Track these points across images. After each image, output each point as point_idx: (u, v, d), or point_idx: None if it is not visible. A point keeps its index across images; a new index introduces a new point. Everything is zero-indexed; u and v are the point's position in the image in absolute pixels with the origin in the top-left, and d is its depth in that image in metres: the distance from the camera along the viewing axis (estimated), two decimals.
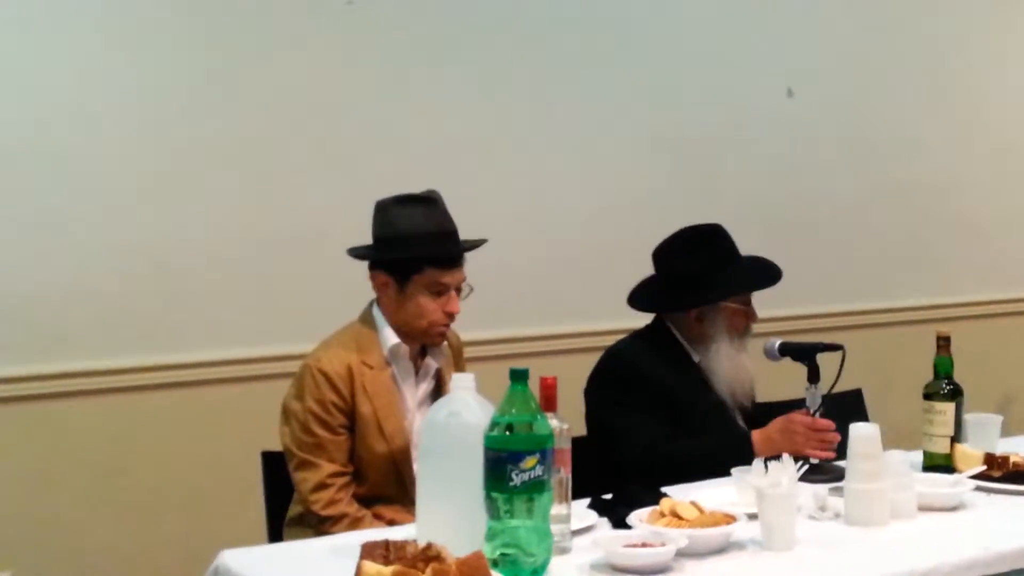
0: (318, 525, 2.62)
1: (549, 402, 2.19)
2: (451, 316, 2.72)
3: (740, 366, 2.97)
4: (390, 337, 2.73)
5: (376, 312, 2.76)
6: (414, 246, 2.69)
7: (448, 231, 2.73)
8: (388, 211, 2.72)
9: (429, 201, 2.75)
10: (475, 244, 2.76)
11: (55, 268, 3.29)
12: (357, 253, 2.78)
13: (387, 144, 3.69)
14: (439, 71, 3.80)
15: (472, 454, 2.07)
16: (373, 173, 3.65)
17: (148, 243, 3.40)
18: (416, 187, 3.64)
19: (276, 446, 2.88)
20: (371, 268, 2.74)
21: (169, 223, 3.42)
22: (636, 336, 3.08)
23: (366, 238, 3.59)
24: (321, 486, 2.64)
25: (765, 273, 3.03)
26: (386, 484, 2.70)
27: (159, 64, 3.40)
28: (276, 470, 2.84)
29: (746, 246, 4.28)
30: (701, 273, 2.96)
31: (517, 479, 2.02)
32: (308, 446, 2.66)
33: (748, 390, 3.01)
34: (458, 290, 2.71)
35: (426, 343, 2.76)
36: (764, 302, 4.27)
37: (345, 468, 2.67)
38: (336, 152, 3.63)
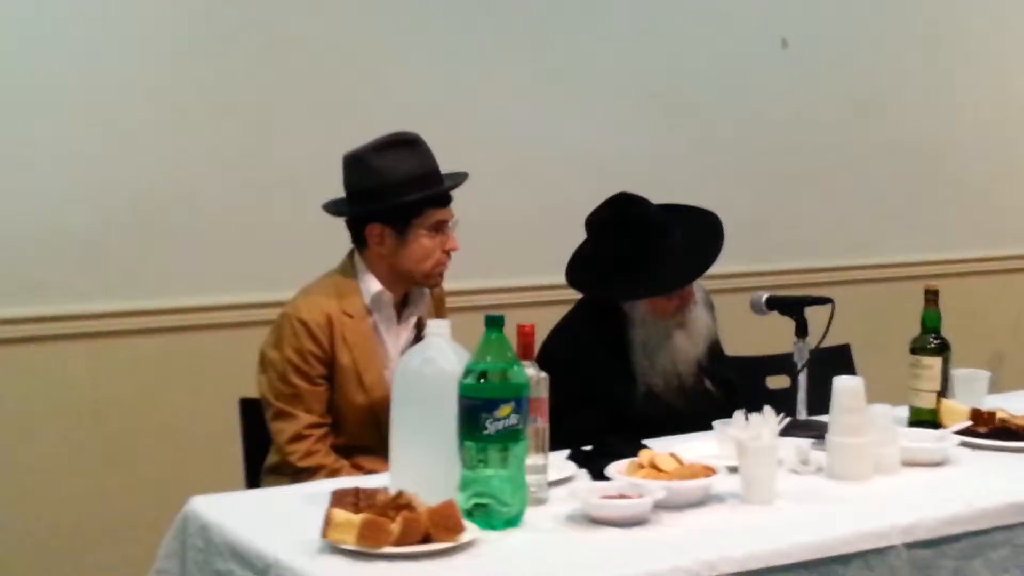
0: (295, 476, 2.59)
1: (526, 350, 2.16)
2: (449, 253, 2.71)
3: (672, 349, 2.85)
4: (372, 284, 2.69)
5: (357, 260, 2.71)
6: (411, 190, 2.64)
7: (435, 169, 2.71)
8: (368, 160, 2.66)
9: (410, 143, 2.71)
10: (462, 178, 2.74)
11: (32, 211, 3.24)
12: (340, 210, 2.72)
13: (374, 90, 3.63)
14: (431, 18, 3.73)
15: (446, 402, 2.04)
16: (358, 120, 3.58)
17: (127, 187, 3.34)
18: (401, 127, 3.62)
19: (254, 393, 2.85)
20: (360, 222, 2.67)
21: (148, 167, 3.36)
22: (575, 315, 2.96)
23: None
24: (298, 437, 2.61)
25: (696, 262, 2.86)
26: (365, 434, 2.66)
27: (140, 5, 3.34)
28: (254, 418, 2.81)
29: (738, 199, 4.28)
30: (629, 259, 2.83)
31: (491, 428, 1.99)
32: (285, 396, 2.62)
33: (688, 368, 2.87)
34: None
35: (427, 285, 2.74)
36: (750, 256, 4.28)
37: (323, 419, 2.64)
38: (321, 98, 3.57)
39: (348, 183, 2.71)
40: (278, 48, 3.52)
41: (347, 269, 2.73)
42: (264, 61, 3.50)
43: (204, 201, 3.44)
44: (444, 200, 2.69)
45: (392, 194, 2.63)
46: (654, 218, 2.88)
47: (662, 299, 2.85)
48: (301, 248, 3.51)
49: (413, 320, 2.76)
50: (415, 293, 2.77)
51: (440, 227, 2.68)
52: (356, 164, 2.68)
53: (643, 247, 2.84)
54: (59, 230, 3.27)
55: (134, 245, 3.37)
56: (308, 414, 2.61)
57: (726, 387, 2.99)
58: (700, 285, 2.96)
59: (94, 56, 3.29)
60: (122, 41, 3.33)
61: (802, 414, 2.71)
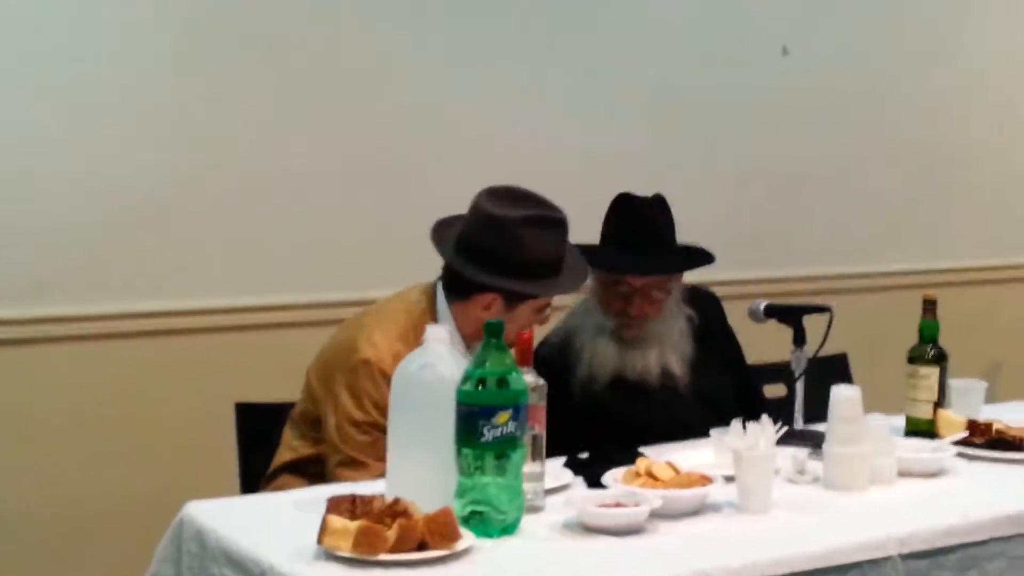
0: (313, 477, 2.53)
1: (525, 356, 2.15)
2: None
3: (602, 346, 2.80)
4: (456, 342, 2.55)
5: (442, 305, 2.62)
6: (540, 276, 2.57)
7: (563, 257, 2.62)
8: (514, 232, 2.53)
9: (558, 225, 2.59)
10: (584, 277, 2.69)
11: (30, 212, 3.23)
12: (457, 260, 2.58)
13: (375, 90, 3.62)
14: (431, 18, 3.72)
15: (444, 408, 2.04)
16: (360, 119, 3.60)
17: (126, 189, 3.33)
18: (405, 136, 3.61)
19: (251, 398, 2.86)
20: (477, 285, 2.56)
21: (146, 170, 3.35)
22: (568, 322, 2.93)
23: (352, 189, 3.57)
24: None
25: (634, 262, 2.80)
26: None
27: (141, 3, 3.33)
28: (250, 422, 2.81)
29: (738, 206, 4.28)
30: (604, 238, 2.85)
31: (489, 435, 1.99)
32: (359, 444, 2.52)
33: (634, 373, 2.82)
34: None
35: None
36: (749, 264, 4.28)
37: None
38: (322, 98, 3.56)
39: (479, 239, 2.56)
40: (279, 48, 3.51)
41: (429, 308, 2.62)
42: (265, 60, 3.49)
43: (204, 203, 3.42)
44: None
45: (530, 274, 2.55)
46: (640, 210, 2.85)
47: (609, 288, 2.81)
48: (300, 252, 3.52)
49: None
50: None
51: (543, 308, 2.63)
52: (499, 227, 2.55)
53: (619, 229, 2.83)
54: (57, 232, 3.26)
55: (132, 247, 3.35)
56: (379, 462, 2.40)
57: (748, 398, 2.97)
58: (680, 304, 2.91)
59: (95, 55, 3.28)
60: (122, 39, 3.31)
61: (799, 423, 2.71)
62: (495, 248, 2.55)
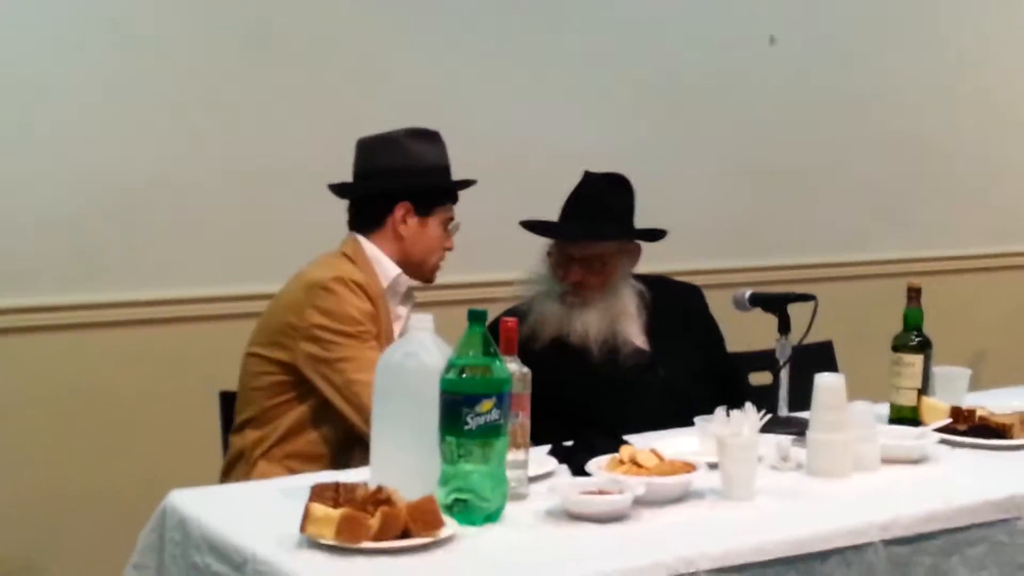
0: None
1: (509, 345, 2.15)
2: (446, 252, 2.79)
3: (549, 309, 2.86)
4: (391, 268, 2.70)
5: (365, 243, 2.71)
6: (441, 179, 2.74)
7: (449, 167, 2.80)
8: (401, 142, 2.72)
9: (435, 136, 2.79)
10: (472, 182, 2.83)
11: (18, 202, 3.22)
12: (360, 189, 2.73)
13: (363, 80, 3.62)
14: (426, 15, 3.73)
15: (428, 397, 2.03)
16: (347, 109, 3.59)
17: (106, 177, 3.33)
18: (393, 124, 3.61)
19: (234, 387, 2.85)
20: (387, 199, 2.70)
21: (128, 158, 3.35)
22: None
23: (335, 174, 3.54)
24: None
25: (581, 227, 2.89)
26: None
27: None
28: (234, 410, 2.80)
29: (724, 196, 4.29)
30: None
31: (472, 423, 1.99)
32: (360, 349, 2.53)
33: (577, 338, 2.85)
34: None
35: (424, 279, 2.78)
36: (735, 252, 4.29)
37: None
38: (313, 91, 3.56)
39: (375, 162, 2.74)
40: (271, 40, 3.51)
41: (355, 251, 2.71)
42: (256, 53, 3.48)
43: (190, 194, 3.42)
44: (455, 197, 2.79)
45: (428, 177, 2.72)
46: (590, 183, 2.93)
47: (555, 259, 2.88)
48: (281, 240, 3.51)
49: (404, 315, 2.75)
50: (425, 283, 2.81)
51: (448, 224, 2.77)
52: (386, 144, 2.73)
53: (569, 201, 2.91)
54: (44, 222, 3.26)
55: (118, 237, 3.35)
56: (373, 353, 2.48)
57: (728, 383, 2.99)
58: (631, 282, 2.94)
59: (84, 48, 3.27)
60: (113, 32, 3.31)
61: (783, 411, 2.71)
62: (390, 162, 2.71)
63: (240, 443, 2.68)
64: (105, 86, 3.30)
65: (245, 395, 2.71)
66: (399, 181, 2.71)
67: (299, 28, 3.55)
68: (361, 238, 2.73)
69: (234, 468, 2.69)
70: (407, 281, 2.74)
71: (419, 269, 2.76)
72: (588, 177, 2.95)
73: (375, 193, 2.73)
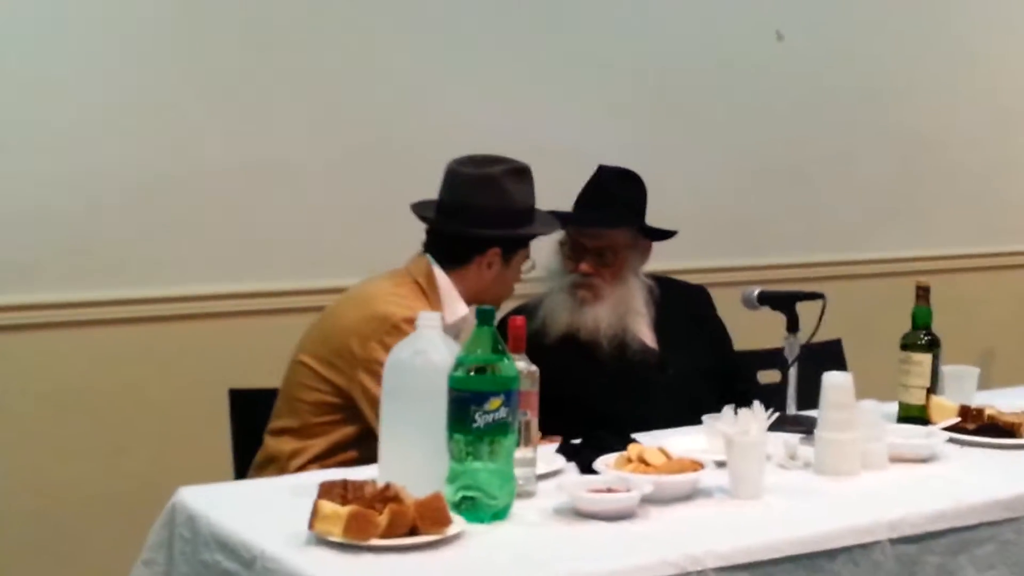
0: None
1: (517, 343, 2.16)
2: None
3: (558, 303, 2.88)
4: (460, 307, 2.66)
5: (440, 275, 2.66)
6: (530, 220, 2.70)
7: (535, 205, 2.76)
8: (501, 184, 2.66)
9: (529, 175, 2.73)
10: (556, 226, 2.83)
11: (18, 197, 3.22)
12: (454, 227, 2.66)
13: (361, 78, 3.61)
14: (428, 12, 3.72)
15: (437, 394, 2.04)
16: (348, 107, 3.60)
17: (115, 173, 3.32)
18: (389, 120, 3.62)
19: (244, 384, 2.86)
20: (482, 242, 2.66)
21: (137, 156, 3.34)
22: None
23: (339, 174, 3.56)
24: None
25: (588, 216, 2.93)
26: None
27: None
28: (244, 409, 2.81)
29: (733, 194, 4.28)
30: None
31: (480, 421, 1.99)
32: None
33: (587, 333, 2.86)
34: None
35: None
36: (743, 250, 4.28)
37: None
38: (308, 84, 3.54)
39: (469, 199, 2.66)
40: (272, 36, 3.49)
41: (427, 280, 2.66)
42: (257, 48, 3.47)
43: (194, 190, 3.41)
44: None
45: (521, 221, 2.68)
46: (601, 175, 2.95)
47: (567, 251, 2.89)
48: (290, 237, 3.52)
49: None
50: None
51: (526, 261, 2.76)
52: (484, 183, 2.66)
53: (581, 193, 2.94)
54: (46, 218, 3.25)
55: (123, 233, 3.34)
56: None
57: (735, 382, 3.00)
58: (641, 277, 2.95)
59: (86, 43, 3.27)
60: (115, 28, 3.30)
61: (791, 409, 2.71)
62: (487, 203, 2.64)
63: (275, 447, 2.65)
64: (104, 82, 3.29)
65: (289, 402, 2.67)
66: (495, 227, 2.65)
67: (299, 25, 3.53)
68: (437, 269, 2.67)
69: (264, 471, 2.66)
70: (472, 321, 2.67)
71: (489, 303, 2.67)
72: (602, 170, 2.97)
73: (468, 234, 2.66)
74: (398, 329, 2.51)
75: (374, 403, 2.50)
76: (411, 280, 2.67)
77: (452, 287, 2.67)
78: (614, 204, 2.92)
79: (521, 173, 2.71)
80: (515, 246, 2.70)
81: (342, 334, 2.60)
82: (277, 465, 2.63)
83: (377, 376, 2.46)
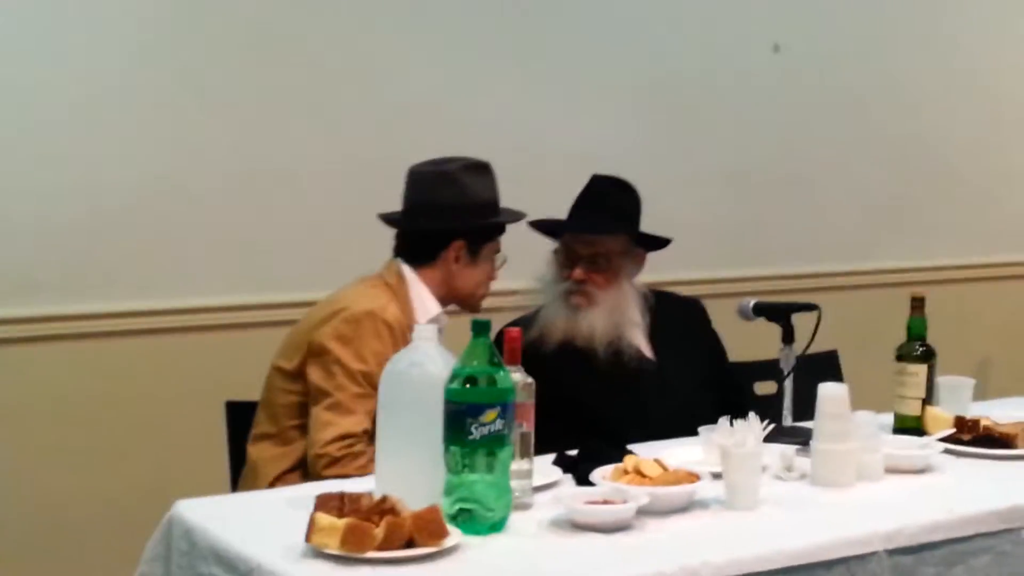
0: (320, 474, 2.51)
1: (513, 355, 2.16)
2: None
3: (554, 311, 2.89)
4: (431, 305, 2.71)
5: (409, 274, 2.72)
6: (493, 214, 2.76)
7: (499, 199, 2.82)
8: (459, 178, 2.72)
9: (488, 169, 2.79)
10: (523, 214, 2.86)
11: (18, 211, 3.23)
12: (417, 223, 2.72)
13: (368, 89, 3.63)
14: (425, 13, 3.73)
15: (433, 406, 2.04)
16: (348, 115, 3.60)
17: (116, 188, 3.33)
18: (390, 127, 3.63)
19: (240, 396, 2.85)
20: (443, 236, 2.71)
21: (136, 168, 3.35)
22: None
23: (339, 185, 3.56)
24: (348, 436, 2.53)
25: (580, 223, 2.95)
26: None
27: (133, 0, 3.33)
28: (240, 420, 2.81)
29: (728, 205, 4.29)
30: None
31: (476, 433, 2.00)
32: (351, 393, 2.55)
33: (583, 341, 2.86)
34: None
35: (469, 310, 2.78)
36: (739, 261, 4.29)
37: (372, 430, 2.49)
38: (316, 96, 3.57)
39: (430, 197, 2.73)
40: (272, 44, 3.51)
41: (398, 281, 2.71)
42: (258, 58, 3.49)
43: (193, 202, 3.42)
44: (503, 229, 2.81)
45: (483, 214, 2.73)
46: (594, 184, 2.96)
47: (561, 258, 2.91)
48: (292, 250, 3.52)
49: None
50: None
51: (496, 256, 2.80)
52: (442, 179, 2.73)
53: (575, 201, 2.95)
54: (45, 231, 3.26)
55: (122, 246, 3.35)
56: (367, 417, 2.50)
57: (731, 394, 3.00)
58: (633, 288, 2.95)
59: (86, 53, 3.28)
60: (114, 37, 3.31)
61: (788, 420, 2.72)
62: (446, 199, 2.71)
63: (256, 455, 2.68)
64: (104, 91, 3.30)
65: (267, 408, 2.71)
66: (455, 220, 2.71)
67: (300, 29, 3.55)
68: (407, 270, 2.73)
69: (246, 480, 2.68)
70: (446, 320, 2.74)
71: (466, 301, 2.79)
72: (595, 179, 2.99)
73: (430, 229, 2.73)
74: (355, 321, 2.58)
75: (312, 390, 2.58)
76: (382, 282, 2.72)
77: (423, 286, 2.72)
78: (607, 211, 2.93)
79: (479, 168, 2.77)
80: (479, 239, 2.75)
81: (306, 333, 2.66)
82: (258, 475, 2.65)
83: (321, 363, 2.57)
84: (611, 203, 2.94)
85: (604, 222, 2.91)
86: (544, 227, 2.94)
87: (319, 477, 2.49)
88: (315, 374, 2.60)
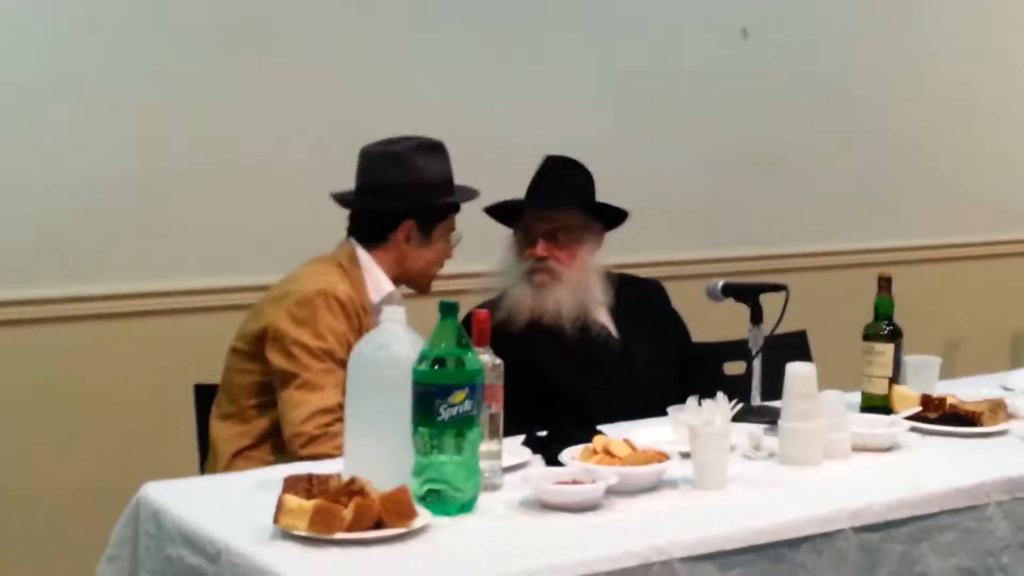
0: (298, 453, 2.51)
1: (481, 337, 2.16)
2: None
3: (513, 291, 2.90)
4: (384, 283, 2.71)
5: (362, 254, 2.72)
6: (447, 193, 2.74)
7: (452, 179, 2.81)
8: (408, 158, 2.72)
9: (439, 148, 2.78)
10: (477, 193, 2.85)
11: None
12: (367, 203, 2.72)
13: (328, 77, 3.62)
14: (399, 9, 3.73)
15: (401, 388, 2.04)
16: (315, 105, 3.59)
17: (86, 171, 3.31)
18: (360, 123, 3.59)
19: (208, 379, 2.84)
20: (392, 216, 2.71)
21: (106, 152, 3.33)
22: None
23: (303, 171, 3.55)
24: (324, 411, 2.52)
25: (539, 200, 2.95)
26: None
27: None
28: (209, 403, 2.80)
29: (695, 187, 4.31)
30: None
31: (445, 414, 1.99)
32: (316, 370, 2.54)
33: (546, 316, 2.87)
34: None
35: (419, 291, 2.79)
36: (708, 242, 4.30)
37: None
38: (274, 83, 3.55)
39: (380, 177, 2.73)
40: (234, 40, 3.49)
41: (349, 260, 2.71)
42: (216, 51, 3.46)
43: (162, 187, 3.41)
44: (457, 208, 2.81)
45: (433, 194, 2.72)
46: (546, 164, 2.96)
47: (521, 238, 2.92)
48: (253, 235, 3.52)
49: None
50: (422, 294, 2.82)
51: (452, 234, 2.80)
52: (392, 160, 2.72)
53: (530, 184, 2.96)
54: (15, 214, 3.23)
55: (83, 229, 3.33)
56: (338, 391, 2.48)
57: (696, 373, 3.02)
58: (596, 266, 2.96)
59: (56, 43, 3.26)
60: (84, 25, 3.29)
61: (756, 400, 2.73)
62: (396, 179, 2.71)
63: (216, 433, 2.69)
64: (78, 80, 3.28)
65: (226, 389, 2.72)
66: (404, 200, 2.71)
67: (290, 22, 3.54)
68: (360, 249, 2.73)
69: (210, 461, 2.70)
70: (399, 296, 2.74)
71: (417, 281, 2.79)
72: (549, 159, 3.00)
73: (380, 209, 2.73)
74: (307, 301, 2.58)
75: (278, 374, 2.58)
76: (334, 262, 2.72)
77: (375, 265, 2.72)
78: (562, 188, 2.94)
79: (432, 148, 2.77)
80: (431, 218, 2.75)
81: (263, 314, 2.66)
82: (217, 454, 2.66)
83: (281, 346, 2.57)
84: (565, 181, 2.96)
85: (560, 197, 2.92)
86: (500, 210, 2.95)
87: (297, 458, 2.49)
88: (277, 358, 2.59)
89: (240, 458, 2.63)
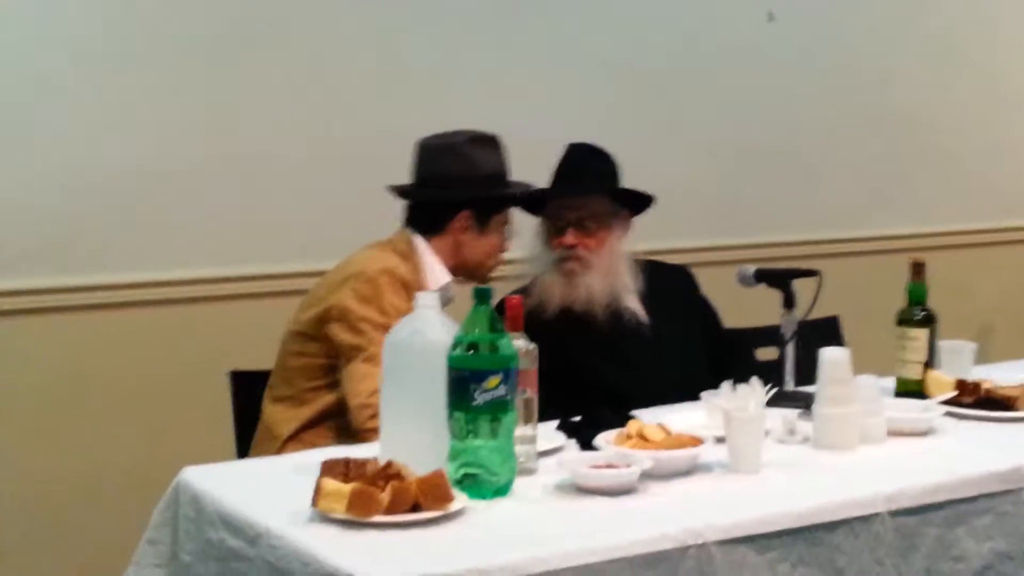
0: (364, 424, 2.54)
1: (514, 322, 2.17)
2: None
3: (546, 279, 2.90)
4: (442, 274, 2.75)
5: (421, 244, 2.76)
6: (505, 185, 2.80)
7: (507, 171, 2.85)
8: (465, 150, 2.77)
9: (496, 142, 2.83)
10: (529, 186, 2.89)
11: (2, 184, 3.22)
12: (426, 194, 2.76)
13: (334, 68, 3.62)
14: None
15: (436, 373, 2.05)
16: (324, 96, 3.60)
17: (105, 157, 3.32)
18: (365, 113, 3.64)
19: (242, 366, 2.87)
20: (450, 207, 2.75)
21: (127, 138, 3.35)
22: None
23: (317, 158, 3.57)
24: None
25: (563, 188, 2.94)
26: None
27: None
28: (245, 390, 2.82)
29: (726, 172, 4.29)
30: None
31: (480, 399, 2.01)
32: (387, 326, 2.46)
33: (583, 304, 2.88)
34: None
35: (478, 282, 2.79)
36: (741, 229, 4.29)
37: None
38: (282, 73, 3.55)
39: (437, 168, 2.77)
40: (240, 29, 3.49)
41: (407, 251, 2.75)
42: (225, 42, 3.47)
43: (182, 173, 3.42)
44: (516, 201, 2.85)
45: (491, 185, 2.77)
46: (571, 151, 2.96)
47: (549, 227, 2.91)
48: (284, 222, 3.53)
49: None
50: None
51: (506, 227, 2.83)
52: (449, 151, 2.77)
53: (554, 171, 2.95)
54: (29, 203, 3.25)
55: (115, 217, 3.36)
56: None
57: (728, 358, 3.02)
58: (626, 255, 2.96)
59: (61, 34, 3.27)
60: (91, 17, 3.30)
61: (789, 385, 2.73)
62: (454, 170, 2.75)
63: (270, 416, 2.72)
64: (77, 69, 3.29)
65: (282, 371, 2.75)
66: (462, 191, 2.76)
67: (292, 12, 3.54)
68: (418, 238, 2.78)
69: (262, 441, 2.72)
70: (454, 290, 2.77)
71: (475, 273, 2.82)
72: (572, 147, 2.99)
73: (437, 200, 2.77)
74: (370, 279, 2.63)
75: (344, 350, 2.60)
76: (391, 247, 2.76)
77: (432, 255, 2.76)
78: (587, 175, 2.95)
79: (486, 141, 2.81)
80: (487, 209, 2.79)
81: (323, 296, 2.70)
82: (271, 436, 2.68)
83: (348, 324, 2.59)
84: (590, 167, 2.96)
85: (585, 184, 2.93)
86: (527, 200, 2.94)
87: (362, 429, 2.54)
88: (342, 335, 2.63)
89: (295, 440, 2.66)
